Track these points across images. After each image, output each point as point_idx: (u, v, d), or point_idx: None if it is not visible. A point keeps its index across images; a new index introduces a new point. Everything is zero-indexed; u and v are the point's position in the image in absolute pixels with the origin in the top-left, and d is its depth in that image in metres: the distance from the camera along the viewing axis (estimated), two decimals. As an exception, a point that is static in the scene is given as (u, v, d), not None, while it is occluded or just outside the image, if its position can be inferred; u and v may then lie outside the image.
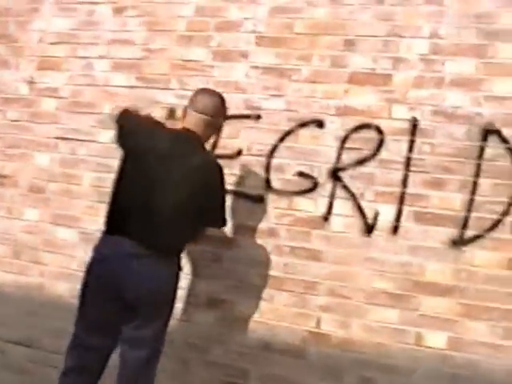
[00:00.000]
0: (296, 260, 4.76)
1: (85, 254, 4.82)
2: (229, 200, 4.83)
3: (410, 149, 4.56)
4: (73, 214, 5.35)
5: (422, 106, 4.55)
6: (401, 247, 4.54)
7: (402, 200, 4.55)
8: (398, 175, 4.57)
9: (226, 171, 4.59)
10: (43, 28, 5.64)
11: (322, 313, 4.68)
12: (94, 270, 4.29)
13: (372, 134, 4.65)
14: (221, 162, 4.71)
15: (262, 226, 4.86)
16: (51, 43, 5.60)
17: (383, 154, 4.62)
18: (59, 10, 5.61)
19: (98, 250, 4.32)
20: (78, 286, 4.38)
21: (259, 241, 4.86)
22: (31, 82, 5.64)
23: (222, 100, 4.50)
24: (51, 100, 5.55)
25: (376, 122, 4.65)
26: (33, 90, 5.64)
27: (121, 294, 4.18)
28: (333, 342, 4.64)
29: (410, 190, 4.54)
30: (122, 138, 4.46)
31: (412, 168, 4.54)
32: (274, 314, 4.79)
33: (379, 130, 4.63)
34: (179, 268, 4.35)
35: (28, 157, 5.59)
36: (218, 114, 4.47)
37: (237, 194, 4.93)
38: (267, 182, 4.87)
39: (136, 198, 4.23)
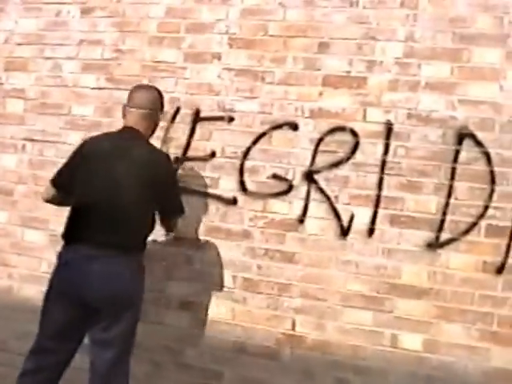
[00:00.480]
0: (270, 262, 4.47)
1: (53, 256, 4.54)
2: (202, 202, 4.59)
3: (385, 152, 4.29)
4: (41, 216, 4.94)
5: (397, 109, 4.29)
6: (376, 250, 4.29)
7: (377, 203, 4.29)
8: (373, 178, 4.30)
9: (199, 173, 4.44)
10: (9, 28, 5.20)
11: (297, 315, 4.41)
12: (56, 274, 4.10)
13: (347, 137, 4.36)
14: (194, 164, 4.61)
15: (236, 228, 4.55)
16: (18, 44, 5.16)
17: (358, 156, 4.34)
18: (25, 10, 5.16)
19: (60, 256, 4.12)
20: (47, 289, 4.13)
21: (233, 243, 4.55)
22: (-2, 83, 5.21)
23: (159, 93, 4.29)
24: (18, 101, 5.12)
25: (350, 124, 4.36)
26: (-1, 91, 5.21)
27: (83, 296, 3.95)
28: (308, 343, 4.38)
29: (385, 192, 4.28)
30: (68, 187, 4.16)
31: (387, 171, 4.28)
32: (248, 317, 4.50)
33: (354, 133, 4.35)
34: (141, 265, 4.10)
35: (-5, 158, 5.18)
36: (155, 106, 4.24)
37: (210, 196, 4.61)
38: (241, 184, 4.55)
39: (89, 204, 4.04)
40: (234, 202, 4.53)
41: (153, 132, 4.28)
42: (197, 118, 4.62)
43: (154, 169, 4.05)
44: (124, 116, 4.23)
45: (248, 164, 4.52)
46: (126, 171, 3.99)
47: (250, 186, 4.52)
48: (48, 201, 4.32)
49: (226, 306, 4.52)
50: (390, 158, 4.25)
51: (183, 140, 4.64)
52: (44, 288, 4.15)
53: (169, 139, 4.64)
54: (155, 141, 4.61)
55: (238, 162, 4.54)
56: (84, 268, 3.93)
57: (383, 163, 4.26)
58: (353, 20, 4.37)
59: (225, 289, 4.52)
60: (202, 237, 4.59)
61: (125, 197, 3.97)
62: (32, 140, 5.02)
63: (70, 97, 4.95)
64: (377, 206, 4.26)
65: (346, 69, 4.36)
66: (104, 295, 3.93)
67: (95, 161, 4.06)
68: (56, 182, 4.22)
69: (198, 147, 4.63)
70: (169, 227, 4.42)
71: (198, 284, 4.58)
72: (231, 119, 4.57)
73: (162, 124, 4.61)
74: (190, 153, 4.64)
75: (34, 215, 4.96)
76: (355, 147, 4.31)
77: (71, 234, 4.09)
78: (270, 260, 4.44)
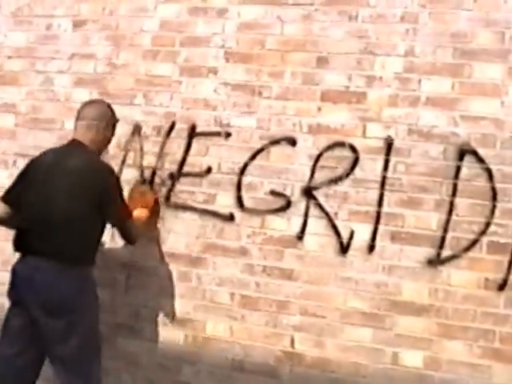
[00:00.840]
0: (269, 279, 4.28)
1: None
2: (198, 218, 4.41)
3: (385, 168, 4.11)
4: (32, 231, 4.65)
5: (397, 125, 4.12)
6: (376, 266, 4.11)
7: (377, 219, 4.12)
8: (373, 194, 4.12)
9: (195, 189, 4.32)
10: (-1, 41, 4.99)
11: (296, 332, 4.24)
12: (9, 285, 4.04)
13: (346, 153, 4.18)
14: (190, 179, 4.41)
15: (234, 244, 4.36)
16: (8, 57, 4.92)
17: (358, 172, 4.16)
18: (15, 23, 4.92)
19: (13, 268, 4.05)
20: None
21: (230, 260, 4.36)
22: (-13, 98, 4.98)
23: (108, 106, 4.22)
24: (9, 116, 4.89)
25: (350, 140, 4.18)
26: (-11, 106, 4.99)
27: (29, 307, 3.89)
28: (307, 361, 4.21)
29: (385, 209, 4.11)
30: (18, 201, 4.07)
31: (387, 187, 4.11)
32: (247, 334, 4.32)
33: (353, 149, 4.17)
34: (85, 276, 3.98)
35: (-14, 174, 4.94)
36: (100, 118, 4.14)
37: (207, 213, 4.41)
38: (238, 200, 4.35)
39: (33, 215, 3.97)
40: (231, 218, 4.34)
41: (104, 145, 4.20)
42: (193, 133, 4.43)
43: (89, 178, 3.96)
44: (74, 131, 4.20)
45: (245, 180, 4.33)
46: (62, 182, 3.94)
47: (247, 202, 4.33)
48: None
49: (224, 324, 4.33)
50: (390, 173, 4.08)
51: (179, 155, 4.44)
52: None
53: (164, 154, 4.43)
54: (150, 156, 4.46)
55: (235, 178, 4.35)
56: (28, 279, 3.88)
57: (383, 179, 4.09)
58: (352, 34, 4.19)
59: (222, 306, 4.34)
60: (198, 253, 4.38)
61: (60, 207, 3.90)
62: (24, 155, 4.72)
63: (62, 111, 4.73)
64: (377, 222, 4.09)
65: (345, 84, 4.19)
66: (44, 307, 3.83)
67: (37, 174, 4.04)
68: (6, 197, 4.14)
69: (194, 163, 4.44)
70: (124, 237, 4.21)
71: (194, 301, 4.39)
72: (228, 134, 4.37)
73: (158, 139, 4.47)
74: (186, 168, 4.45)
75: (25, 231, 4.72)
76: (355, 163, 4.14)
77: (21, 246, 4.02)
78: (269, 277, 4.26)
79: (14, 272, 3.99)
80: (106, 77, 4.65)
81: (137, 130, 4.51)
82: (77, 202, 3.89)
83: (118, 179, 4.12)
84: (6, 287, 4.69)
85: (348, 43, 4.19)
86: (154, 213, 4.43)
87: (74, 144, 4.09)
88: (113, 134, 4.22)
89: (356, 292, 4.10)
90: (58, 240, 3.87)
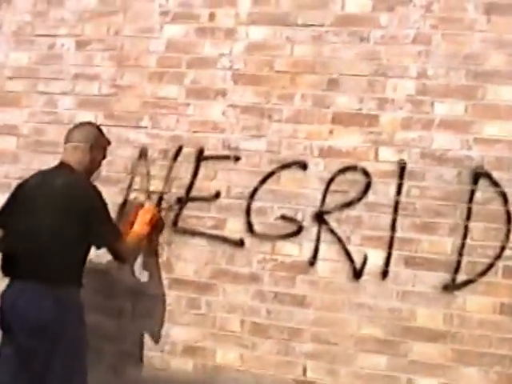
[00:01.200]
0: (280, 306, 4.39)
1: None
2: (208, 244, 4.53)
3: (399, 192, 4.24)
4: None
5: (410, 149, 4.24)
6: (390, 292, 4.23)
7: (390, 244, 4.24)
8: (387, 219, 4.25)
9: (203, 214, 4.45)
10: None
11: (308, 360, 4.34)
12: (0, 312, 4.12)
13: (358, 177, 4.31)
14: (198, 204, 4.52)
15: (244, 270, 4.47)
16: (9, 78, 5.03)
17: (370, 197, 4.29)
18: (17, 42, 5.03)
19: (1, 294, 4.14)
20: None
21: (240, 286, 4.47)
22: (-12, 120, 5.07)
23: (96, 128, 4.36)
24: (11, 138, 4.98)
25: (362, 164, 4.30)
26: (-10, 128, 5.08)
27: (15, 332, 3.99)
28: (320, 389, 4.34)
29: (399, 233, 4.23)
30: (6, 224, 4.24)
31: (401, 211, 4.23)
32: (258, 362, 4.42)
33: (366, 173, 4.29)
34: (69, 298, 4.05)
35: (-13, 198, 5.01)
36: (86, 139, 4.25)
37: (216, 238, 4.52)
38: (249, 225, 4.47)
39: (19, 238, 4.10)
40: (241, 243, 4.45)
41: (94, 168, 4.31)
42: (200, 156, 4.55)
43: (74, 198, 4.07)
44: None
45: (255, 205, 4.45)
46: (47, 203, 4.06)
47: (257, 227, 4.44)
48: None
49: (235, 352, 4.43)
50: (403, 198, 4.20)
51: (186, 179, 4.55)
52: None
53: (171, 178, 4.55)
54: (157, 180, 4.60)
55: (244, 203, 4.46)
56: (13, 304, 4.00)
57: (397, 203, 4.21)
58: (363, 56, 4.32)
59: (233, 334, 4.44)
60: (207, 280, 4.50)
61: (45, 229, 4.01)
62: (26, 179, 4.89)
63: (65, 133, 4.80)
64: (390, 247, 4.21)
65: (357, 106, 4.31)
66: (26, 330, 3.92)
67: (24, 196, 4.17)
68: None
69: (202, 187, 4.55)
70: (114, 257, 4.31)
71: (204, 329, 4.49)
72: (237, 158, 4.49)
73: (165, 163, 4.60)
74: (194, 193, 4.56)
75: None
76: (367, 187, 4.26)
77: (9, 270, 4.12)
78: (280, 304, 4.37)
79: (3, 298, 4.09)
80: (111, 98, 4.76)
81: (143, 153, 4.63)
82: (61, 223, 4.01)
83: (104, 200, 4.17)
84: None
85: (359, 65, 4.32)
86: (156, 228, 4.51)
87: (61, 166, 4.23)
88: (104, 156, 4.35)
89: (370, 318, 4.21)
90: (42, 262, 3.96)
